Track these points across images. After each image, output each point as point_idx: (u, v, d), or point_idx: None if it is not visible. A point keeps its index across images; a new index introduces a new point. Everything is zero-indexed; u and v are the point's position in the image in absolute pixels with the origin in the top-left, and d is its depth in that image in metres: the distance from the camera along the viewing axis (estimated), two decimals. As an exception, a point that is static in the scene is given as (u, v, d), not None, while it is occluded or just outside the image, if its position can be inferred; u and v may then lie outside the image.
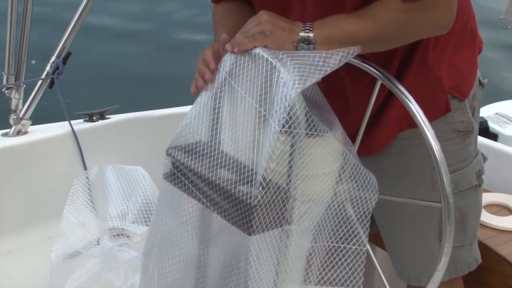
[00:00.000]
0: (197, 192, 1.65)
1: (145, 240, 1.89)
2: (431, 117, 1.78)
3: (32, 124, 2.70)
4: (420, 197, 1.87)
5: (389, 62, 1.82)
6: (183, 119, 1.72)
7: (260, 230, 1.54)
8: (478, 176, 2.01)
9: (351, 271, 1.64)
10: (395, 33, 1.70)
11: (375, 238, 2.33)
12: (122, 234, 2.42)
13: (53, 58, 2.63)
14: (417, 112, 1.66)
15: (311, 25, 1.64)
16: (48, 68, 2.63)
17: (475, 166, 2.00)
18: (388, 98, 1.87)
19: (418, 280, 2.05)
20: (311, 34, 1.63)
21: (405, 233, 1.96)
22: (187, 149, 1.68)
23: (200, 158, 1.66)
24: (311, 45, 1.63)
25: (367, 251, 1.67)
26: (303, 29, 1.64)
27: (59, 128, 2.74)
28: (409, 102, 1.66)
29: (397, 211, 1.92)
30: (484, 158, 2.09)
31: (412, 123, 1.70)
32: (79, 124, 2.78)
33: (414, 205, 1.89)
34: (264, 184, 1.53)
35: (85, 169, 2.73)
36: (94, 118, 2.82)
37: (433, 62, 1.86)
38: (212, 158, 1.64)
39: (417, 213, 1.95)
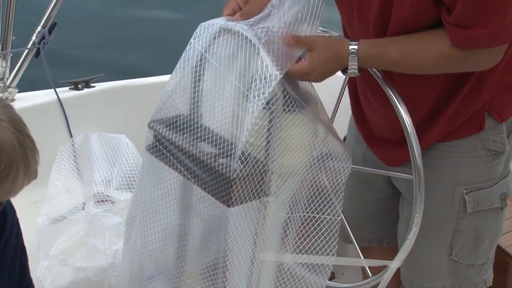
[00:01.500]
0: (178, 165, 1.66)
1: (128, 208, 1.90)
2: (466, 133, 1.81)
3: (18, 92, 2.68)
4: (438, 209, 1.87)
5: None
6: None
7: (239, 202, 1.55)
8: (502, 198, 1.93)
9: (326, 240, 1.66)
10: (436, 71, 1.69)
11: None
12: (106, 200, 2.43)
13: (39, 28, 2.61)
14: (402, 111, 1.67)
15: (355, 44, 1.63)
16: (34, 38, 2.60)
17: (500, 188, 1.91)
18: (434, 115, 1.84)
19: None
20: (355, 64, 1.62)
21: (417, 241, 1.86)
22: (168, 122, 1.68)
23: (181, 131, 1.66)
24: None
25: (342, 220, 1.69)
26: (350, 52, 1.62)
27: (45, 96, 2.72)
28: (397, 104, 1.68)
29: None
30: None
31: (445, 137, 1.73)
32: (65, 92, 2.76)
33: (431, 217, 1.87)
34: (243, 158, 1.54)
35: (71, 136, 2.72)
36: (80, 86, 2.80)
37: (485, 91, 1.80)
38: (192, 132, 1.65)
39: (432, 226, 1.91)
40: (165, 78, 2.89)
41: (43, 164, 2.54)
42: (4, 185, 1.36)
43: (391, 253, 1.84)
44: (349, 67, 1.62)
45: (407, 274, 2.05)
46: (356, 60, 1.62)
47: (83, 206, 2.46)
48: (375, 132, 1.99)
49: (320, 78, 1.63)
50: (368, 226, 2.15)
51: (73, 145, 2.67)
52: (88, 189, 2.47)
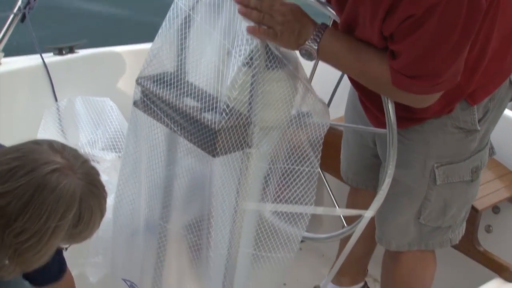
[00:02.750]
0: (165, 118, 1.72)
1: (120, 164, 1.96)
2: (437, 114, 1.86)
3: (4, 56, 2.71)
4: (409, 179, 1.96)
5: None
6: (147, 55, 1.76)
7: (223, 153, 1.62)
8: (473, 172, 1.97)
9: (304, 190, 1.74)
10: (373, 88, 1.76)
11: (327, 165, 2.43)
12: (92, 160, 2.47)
13: (24, -7, 2.63)
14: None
15: (320, 35, 1.67)
16: (19, 3, 2.62)
17: (472, 162, 1.96)
18: None
19: (387, 244, 2.12)
20: (314, 47, 1.66)
21: (390, 204, 1.97)
22: (155, 78, 1.74)
23: (168, 87, 1.72)
24: (310, 58, 1.69)
25: (319, 173, 1.77)
26: (312, 37, 1.66)
27: (30, 61, 2.75)
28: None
29: (393, 183, 1.86)
30: (493, 153, 2.10)
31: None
32: (50, 57, 2.79)
33: (403, 185, 1.96)
34: (227, 110, 1.60)
35: (56, 100, 2.76)
36: (64, 52, 2.83)
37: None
38: (179, 87, 1.71)
39: (403, 193, 1.99)
40: (147, 46, 2.93)
41: (30, 127, 2.61)
42: (84, 234, 1.48)
43: None
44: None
45: (379, 232, 2.15)
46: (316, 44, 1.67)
47: (69, 166, 2.51)
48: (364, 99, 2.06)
49: (284, 26, 1.64)
50: (365, 174, 2.25)
51: (58, 109, 2.71)
52: (73, 149, 2.52)
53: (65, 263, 1.79)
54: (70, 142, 2.60)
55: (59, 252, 1.63)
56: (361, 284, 2.58)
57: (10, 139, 2.59)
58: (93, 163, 2.43)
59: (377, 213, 2.03)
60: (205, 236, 1.77)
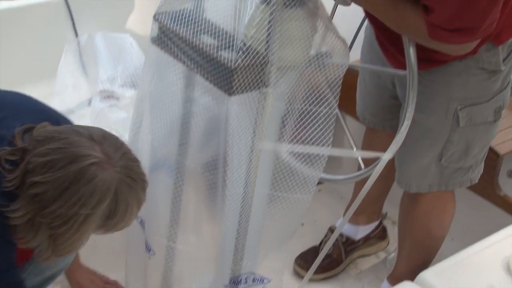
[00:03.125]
0: (182, 55, 1.69)
1: (135, 101, 1.95)
2: (461, 56, 1.82)
3: (26, -10, 2.69)
4: (432, 121, 1.94)
5: None
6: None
7: (239, 91, 1.59)
8: (496, 111, 1.97)
9: (322, 131, 1.71)
10: (410, 38, 1.71)
11: (345, 106, 2.41)
12: (111, 96, 2.48)
13: None
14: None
15: None
16: None
17: (495, 103, 1.95)
18: None
19: (407, 186, 2.12)
20: None
21: (411, 147, 1.97)
22: (173, 15, 1.71)
23: (185, 24, 1.68)
24: (345, 3, 1.70)
25: (337, 114, 1.74)
26: None
27: (52, -6, 2.73)
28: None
29: (414, 126, 1.85)
30: None
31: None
32: (70, -9, 2.76)
33: (425, 128, 1.95)
34: (244, 49, 1.57)
35: (76, 35, 2.74)
36: (84, -14, 2.80)
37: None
38: (196, 24, 1.67)
39: (425, 135, 1.99)
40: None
41: (51, 60, 2.61)
42: (120, 225, 1.53)
43: None
44: None
45: (398, 174, 2.14)
46: None
47: (89, 102, 2.51)
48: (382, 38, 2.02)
49: None
50: (382, 115, 2.23)
51: (78, 44, 2.70)
52: (93, 86, 2.52)
53: None
54: (90, 78, 2.61)
55: None
56: (376, 222, 2.59)
57: (31, 71, 2.64)
58: (112, 100, 2.46)
59: (396, 155, 2.02)
60: (221, 175, 1.76)
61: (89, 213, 1.46)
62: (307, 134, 1.72)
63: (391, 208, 2.55)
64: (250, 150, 1.71)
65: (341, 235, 2.52)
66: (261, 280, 1.98)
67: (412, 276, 1.88)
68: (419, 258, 2.22)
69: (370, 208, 2.53)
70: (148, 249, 1.99)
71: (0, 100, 1.62)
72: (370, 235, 2.59)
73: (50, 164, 1.43)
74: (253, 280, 1.96)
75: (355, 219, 2.52)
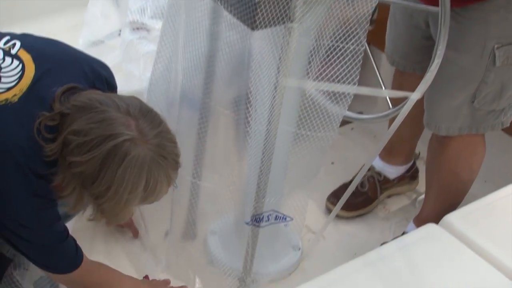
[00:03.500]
0: (207, -12, 1.65)
1: (159, 33, 1.92)
2: None
3: None
4: (467, 60, 1.87)
5: None
6: None
7: (263, 26, 1.54)
8: None
9: (348, 69, 1.66)
10: None
11: (374, 39, 2.34)
12: (141, 28, 2.45)
13: None
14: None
15: None
16: None
17: None
18: None
19: (437, 129, 2.06)
20: None
21: (442, 87, 1.92)
22: None
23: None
24: None
25: (365, 51, 1.68)
26: None
27: None
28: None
29: (446, 65, 1.80)
30: None
31: None
32: None
33: (459, 67, 1.88)
34: (268, -19, 1.52)
35: (107, -36, 2.70)
36: None
37: None
38: (222, -44, 1.62)
39: (459, 75, 1.91)
40: None
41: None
42: (151, 199, 1.55)
43: None
44: None
45: (427, 116, 2.08)
46: None
47: (119, 33, 2.49)
48: None
49: None
50: (413, 57, 2.16)
51: (109, -28, 2.66)
52: (124, 16, 2.48)
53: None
54: (121, 8, 2.57)
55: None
56: (410, 164, 2.55)
57: (62, 2, 2.63)
58: (142, 31, 2.43)
59: (426, 96, 1.96)
60: (243, 112, 1.73)
61: (129, 197, 1.49)
62: (333, 71, 1.67)
63: (425, 148, 2.50)
64: (274, 87, 1.67)
65: (378, 173, 2.50)
66: (284, 218, 1.97)
67: (438, 219, 1.86)
68: (446, 201, 2.18)
69: (404, 149, 2.49)
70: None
71: (40, 51, 1.60)
72: (405, 175, 2.56)
73: (86, 143, 1.44)
74: (276, 218, 1.96)
75: (391, 159, 2.50)
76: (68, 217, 1.84)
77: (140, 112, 1.51)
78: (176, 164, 1.56)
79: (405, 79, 2.20)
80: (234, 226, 2.11)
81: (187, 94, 1.88)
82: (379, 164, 2.52)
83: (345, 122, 2.72)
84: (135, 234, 2.24)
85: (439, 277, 1.62)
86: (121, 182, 1.46)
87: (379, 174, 2.51)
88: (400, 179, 2.56)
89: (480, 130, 2.03)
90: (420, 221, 2.25)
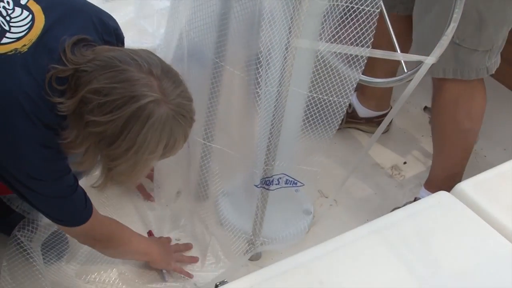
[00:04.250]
0: None
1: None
2: None
3: None
4: None
5: None
6: None
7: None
8: None
9: (363, 31, 1.62)
10: None
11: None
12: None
13: None
14: None
15: None
16: None
17: None
18: None
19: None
20: None
21: (428, 25, 1.91)
22: None
23: None
24: None
25: (381, 12, 1.64)
26: None
27: None
28: None
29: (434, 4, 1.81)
30: None
31: None
32: None
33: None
34: None
35: None
36: None
37: None
38: None
39: (444, 12, 1.79)
40: None
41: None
42: (167, 155, 1.54)
43: None
44: None
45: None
46: None
47: (134, -12, 2.45)
48: None
49: None
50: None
51: None
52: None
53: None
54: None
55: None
56: (382, 112, 2.63)
57: None
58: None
59: (414, 39, 2.04)
60: (253, 73, 1.70)
61: (148, 157, 1.48)
62: (347, 33, 1.63)
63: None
64: (285, 48, 1.64)
65: (349, 105, 2.53)
66: (294, 183, 1.95)
67: (447, 179, 1.83)
68: (451, 156, 2.18)
69: (375, 93, 2.58)
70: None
71: (49, 2, 1.56)
72: (373, 119, 2.62)
73: (108, 104, 1.42)
74: (286, 182, 1.94)
75: (362, 99, 2.61)
76: (79, 174, 1.84)
77: (162, 72, 1.48)
78: (192, 121, 1.55)
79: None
80: (244, 189, 2.09)
81: (198, 52, 1.84)
82: (353, 99, 2.60)
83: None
84: (148, 197, 2.23)
85: (447, 245, 1.59)
86: (142, 143, 1.45)
87: (349, 106, 2.55)
88: (368, 121, 2.63)
89: (465, 75, 2.02)
90: (430, 184, 2.27)
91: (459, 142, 2.18)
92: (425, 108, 2.75)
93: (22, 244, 1.89)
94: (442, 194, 1.75)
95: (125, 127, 1.43)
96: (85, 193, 1.70)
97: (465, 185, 1.76)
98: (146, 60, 1.47)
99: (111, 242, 1.84)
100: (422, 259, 1.55)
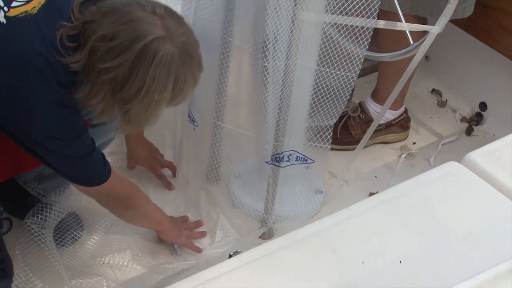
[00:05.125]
0: None
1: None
2: None
3: None
4: None
5: None
6: None
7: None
8: None
9: (368, 2, 1.63)
10: None
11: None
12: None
13: None
14: None
15: None
16: None
17: None
18: None
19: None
20: None
21: None
22: None
23: None
24: None
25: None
26: None
27: None
28: None
29: None
30: None
31: None
32: None
33: None
34: None
35: None
36: None
37: None
38: None
39: None
40: None
41: None
42: (179, 99, 1.56)
43: None
44: None
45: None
46: None
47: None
48: None
49: None
50: None
51: None
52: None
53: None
54: None
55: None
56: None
57: None
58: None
59: None
60: (260, 46, 1.71)
61: (159, 88, 1.49)
62: (351, 5, 1.64)
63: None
64: (291, 21, 1.65)
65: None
66: (304, 160, 1.96)
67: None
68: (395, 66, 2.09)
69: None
70: (192, 119, 1.99)
71: None
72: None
73: (115, 48, 1.44)
74: (296, 159, 1.95)
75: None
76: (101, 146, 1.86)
77: (166, 11, 1.50)
78: (200, 66, 1.56)
79: None
80: (256, 168, 2.10)
81: (206, 30, 1.85)
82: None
83: (371, 70, 2.72)
84: (168, 186, 2.25)
85: (458, 212, 1.59)
86: (152, 81, 1.46)
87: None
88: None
89: (420, 11, 2.05)
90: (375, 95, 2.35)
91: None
92: (433, 90, 2.76)
93: (33, 231, 1.90)
94: (452, 164, 1.75)
95: (134, 68, 1.45)
96: (103, 154, 1.72)
97: (475, 155, 1.75)
98: (149, 1, 1.49)
99: (130, 202, 1.84)
100: (433, 226, 1.56)
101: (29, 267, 1.90)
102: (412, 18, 2.04)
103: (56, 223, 1.96)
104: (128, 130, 1.62)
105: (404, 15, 1.84)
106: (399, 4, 1.92)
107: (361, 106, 2.47)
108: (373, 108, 2.46)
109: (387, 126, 2.49)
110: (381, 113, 2.05)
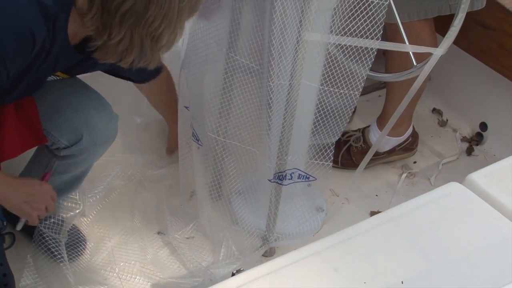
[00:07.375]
0: None
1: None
2: None
3: None
4: None
5: None
6: None
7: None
8: None
9: (372, 23, 1.63)
10: None
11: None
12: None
13: None
14: None
15: None
16: None
17: None
18: None
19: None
20: None
21: None
22: None
23: None
24: None
25: (389, 5, 1.65)
26: None
27: None
28: None
29: None
30: None
31: None
32: None
33: None
34: None
35: None
36: None
37: None
38: None
39: None
40: None
41: None
42: (196, 7, 1.53)
43: None
44: None
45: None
46: None
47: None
48: None
49: None
50: None
51: None
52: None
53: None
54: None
55: None
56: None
57: None
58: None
59: None
60: (266, 65, 1.71)
61: (180, 6, 1.47)
62: (356, 25, 1.64)
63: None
64: (297, 41, 1.65)
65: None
66: (307, 177, 1.96)
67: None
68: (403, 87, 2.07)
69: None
70: (196, 138, 1.98)
71: None
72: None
73: None
74: (299, 177, 1.94)
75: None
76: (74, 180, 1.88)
77: None
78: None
79: None
80: (258, 186, 2.10)
81: (210, 46, 1.85)
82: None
83: (373, 89, 2.73)
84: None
85: (459, 232, 1.59)
86: None
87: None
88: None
89: (428, 13, 2.06)
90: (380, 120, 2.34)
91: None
92: (434, 109, 2.77)
93: (46, 235, 1.90)
94: (453, 184, 1.75)
95: None
96: None
97: (476, 176, 1.75)
98: None
99: None
100: (435, 246, 1.55)
101: (38, 270, 1.92)
102: (422, 23, 2.07)
103: (67, 228, 1.97)
104: (157, 57, 1.56)
105: (413, 23, 1.86)
106: (406, 13, 1.94)
107: (364, 135, 2.45)
108: (376, 137, 2.42)
109: (390, 152, 2.47)
110: (377, 142, 2.04)
